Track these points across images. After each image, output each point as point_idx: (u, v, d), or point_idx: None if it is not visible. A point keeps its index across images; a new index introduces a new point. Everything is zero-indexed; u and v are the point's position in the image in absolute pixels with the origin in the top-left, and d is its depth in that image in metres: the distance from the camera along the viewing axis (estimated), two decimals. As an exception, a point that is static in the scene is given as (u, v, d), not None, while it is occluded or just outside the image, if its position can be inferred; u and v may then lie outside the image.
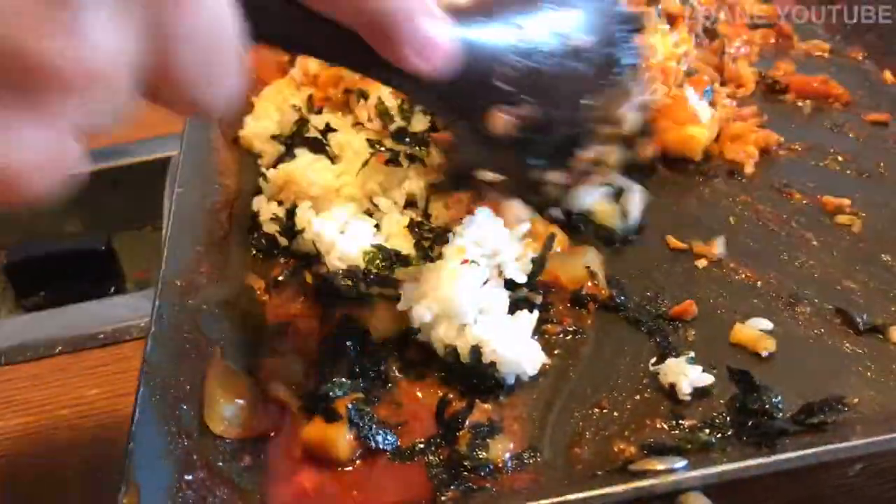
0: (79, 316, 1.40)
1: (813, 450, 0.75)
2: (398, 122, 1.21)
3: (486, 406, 0.93)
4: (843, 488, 0.84)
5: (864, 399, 0.90)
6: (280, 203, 1.21)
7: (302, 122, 1.32)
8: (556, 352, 1.00)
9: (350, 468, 0.89)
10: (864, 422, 0.87)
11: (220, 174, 1.30)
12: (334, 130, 1.27)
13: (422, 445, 0.91)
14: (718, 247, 1.12)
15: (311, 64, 1.45)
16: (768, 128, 1.33)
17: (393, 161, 1.16)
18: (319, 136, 1.27)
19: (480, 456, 0.87)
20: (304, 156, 1.26)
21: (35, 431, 1.27)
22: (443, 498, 0.83)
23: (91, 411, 1.29)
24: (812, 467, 0.77)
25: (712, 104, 1.33)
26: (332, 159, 1.25)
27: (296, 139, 1.31)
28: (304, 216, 1.14)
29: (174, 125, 1.69)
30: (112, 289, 1.77)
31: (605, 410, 0.92)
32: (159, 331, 0.93)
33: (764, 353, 0.96)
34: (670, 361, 0.94)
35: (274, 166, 1.25)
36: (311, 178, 1.19)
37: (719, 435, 0.87)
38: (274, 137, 1.34)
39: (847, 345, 0.97)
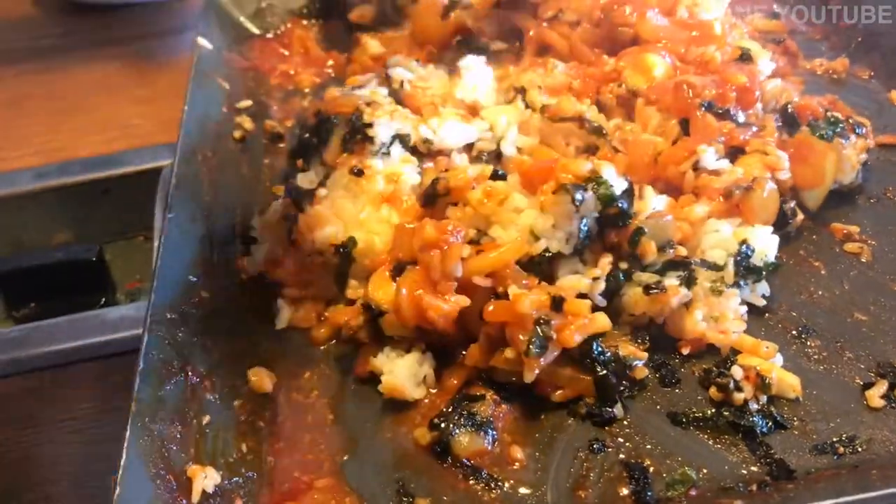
0: (69, 328, 1.36)
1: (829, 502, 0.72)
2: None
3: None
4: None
5: (878, 439, 0.88)
6: None
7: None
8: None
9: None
10: (878, 465, 0.85)
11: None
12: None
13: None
14: None
15: None
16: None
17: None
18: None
19: None
20: None
21: (25, 445, 1.25)
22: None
23: (81, 426, 1.27)
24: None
25: None
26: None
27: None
28: None
29: (166, 135, 1.66)
30: (103, 300, 1.73)
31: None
32: (147, 367, 0.88)
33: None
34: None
35: None
36: None
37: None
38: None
39: (858, 380, 0.95)
